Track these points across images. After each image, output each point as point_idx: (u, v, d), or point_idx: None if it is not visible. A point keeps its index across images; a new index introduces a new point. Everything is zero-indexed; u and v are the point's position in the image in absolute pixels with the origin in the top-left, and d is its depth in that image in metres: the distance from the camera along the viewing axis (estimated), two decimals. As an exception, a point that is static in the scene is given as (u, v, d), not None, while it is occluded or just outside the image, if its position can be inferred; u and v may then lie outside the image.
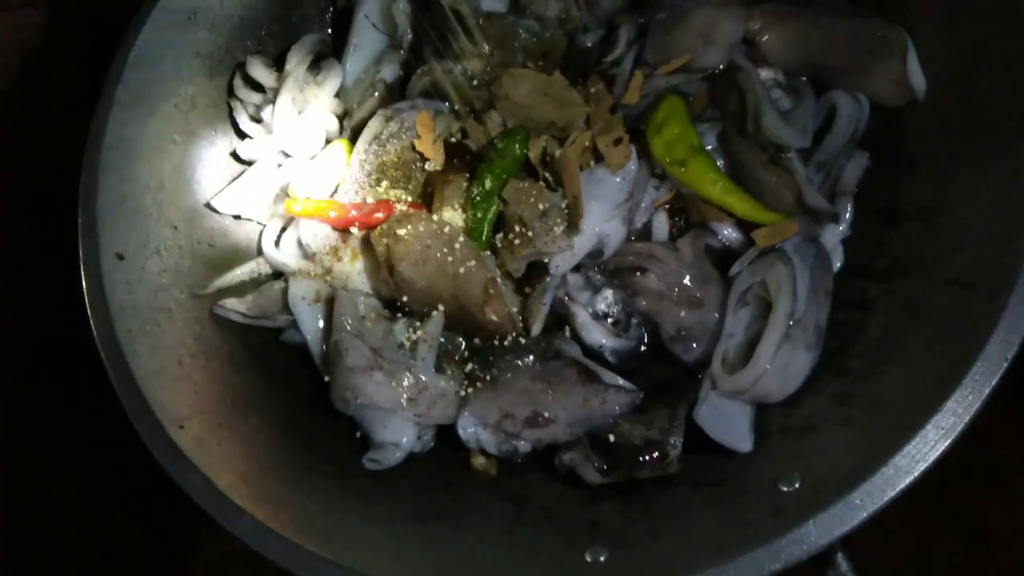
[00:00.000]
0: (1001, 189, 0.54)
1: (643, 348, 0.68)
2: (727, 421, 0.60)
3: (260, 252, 0.74)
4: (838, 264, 0.65)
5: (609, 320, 0.67)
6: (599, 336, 0.66)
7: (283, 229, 0.74)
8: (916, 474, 0.48)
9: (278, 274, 0.73)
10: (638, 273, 0.67)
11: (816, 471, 0.52)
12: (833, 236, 0.65)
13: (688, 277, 0.66)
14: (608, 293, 0.68)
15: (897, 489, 0.48)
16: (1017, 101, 0.54)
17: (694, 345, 0.65)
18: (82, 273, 0.63)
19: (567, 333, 0.67)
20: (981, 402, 0.48)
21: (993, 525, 0.73)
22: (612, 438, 0.61)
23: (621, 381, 0.62)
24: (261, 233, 0.74)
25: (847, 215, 0.65)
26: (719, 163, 0.68)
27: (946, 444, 0.48)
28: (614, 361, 0.66)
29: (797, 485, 0.51)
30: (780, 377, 0.59)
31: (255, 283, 0.73)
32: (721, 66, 0.69)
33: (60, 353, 0.79)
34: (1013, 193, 0.53)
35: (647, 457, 0.60)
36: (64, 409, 0.84)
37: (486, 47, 0.72)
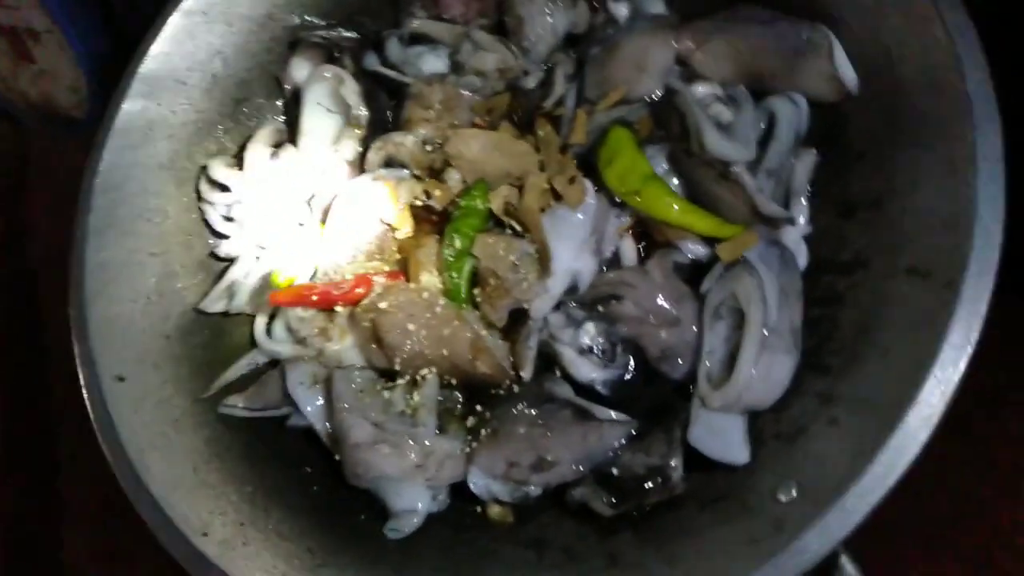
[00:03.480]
0: (941, 177, 0.56)
1: (632, 374, 0.70)
2: (721, 436, 0.62)
3: (254, 344, 0.76)
4: (804, 262, 0.67)
5: (594, 353, 0.69)
6: (587, 371, 0.68)
7: (272, 317, 0.77)
8: (902, 470, 0.50)
9: (275, 362, 0.76)
10: (614, 301, 0.69)
11: (810, 477, 0.54)
12: (794, 236, 0.66)
13: (661, 297, 0.68)
14: (589, 327, 0.70)
15: (887, 487, 0.50)
16: (939, 89, 0.56)
17: (679, 362, 0.67)
18: (86, 400, 0.66)
19: (558, 373, 0.70)
20: (953, 389, 0.50)
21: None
22: (616, 471, 0.63)
23: (614, 414, 0.64)
24: (252, 325, 0.77)
25: (803, 215, 0.67)
26: (675, 183, 0.71)
27: (927, 434, 0.50)
28: (607, 392, 0.68)
29: (794, 493, 0.54)
30: (764, 385, 0.61)
31: (256, 375, 0.75)
32: (658, 92, 0.71)
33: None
34: (952, 181, 0.54)
35: (651, 484, 0.62)
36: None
37: (432, 112, 0.74)
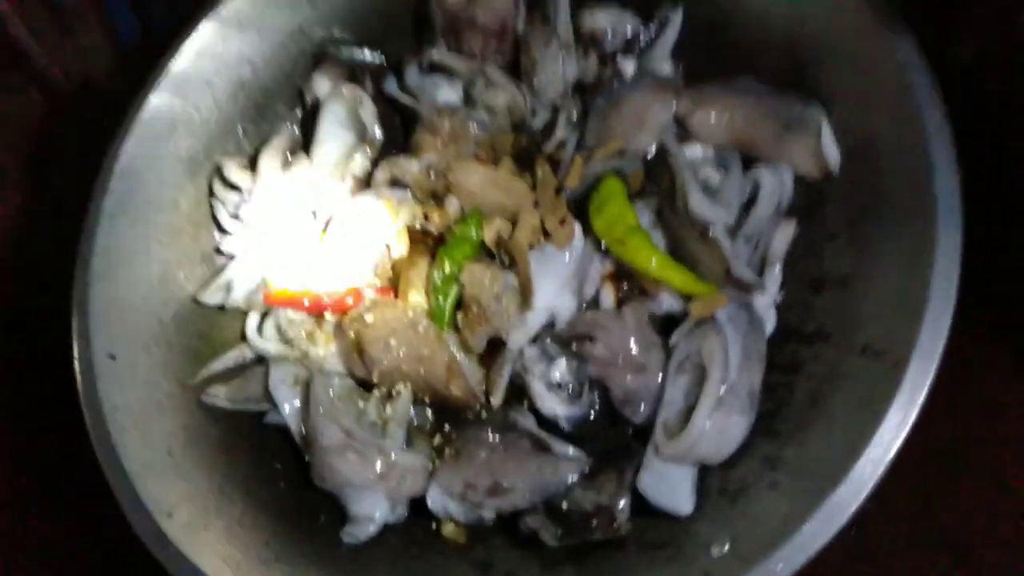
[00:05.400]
0: (904, 264, 0.59)
1: (596, 413, 0.72)
2: (669, 485, 0.64)
3: (244, 339, 0.80)
4: (771, 328, 0.69)
5: (563, 389, 0.72)
6: (553, 405, 0.71)
7: (264, 315, 0.80)
8: (827, 537, 0.52)
9: (262, 359, 0.79)
10: (588, 341, 0.72)
11: (743, 535, 0.56)
12: (765, 302, 0.69)
13: (632, 343, 0.71)
14: (562, 362, 0.73)
15: (811, 552, 0.52)
16: (912, 184, 0.59)
17: (641, 407, 0.70)
18: (77, 376, 0.69)
19: (525, 404, 0.73)
20: (884, 467, 0.53)
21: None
22: (565, 505, 0.66)
23: (571, 451, 0.67)
24: (245, 321, 0.80)
25: (776, 284, 0.70)
26: (658, 235, 0.73)
27: (855, 507, 0.53)
28: (568, 428, 0.71)
29: (726, 549, 0.56)
30: (716, 441, 0.64)
31: (241, 369, 0.78)
32: (653, 148, 0.74)
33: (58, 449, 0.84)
34: (913, 269, 0.57)
35: (597, 521, 0.64)
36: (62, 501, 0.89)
37: (439, 141, 0.78)
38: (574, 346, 0.73)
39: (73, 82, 1.34)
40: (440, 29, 0.83)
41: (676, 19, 0.78)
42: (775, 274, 0.70)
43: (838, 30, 0.68)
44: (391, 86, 0.85)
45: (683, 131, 0.75)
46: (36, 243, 1.16)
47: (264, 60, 0.85)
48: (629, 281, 0.75)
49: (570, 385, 0.72)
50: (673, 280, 0.70)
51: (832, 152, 0.68)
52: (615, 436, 0.71)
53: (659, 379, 0.69)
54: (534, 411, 0.72)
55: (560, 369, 0.72)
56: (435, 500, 0.69)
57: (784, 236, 0.70)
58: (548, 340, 0.74)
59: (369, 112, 0.81)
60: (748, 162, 0.74)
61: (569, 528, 0.65)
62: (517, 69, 0.84)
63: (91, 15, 1.27)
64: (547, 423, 0.71)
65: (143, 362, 0.73)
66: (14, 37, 1.31)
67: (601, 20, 0.80)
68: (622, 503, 0.64)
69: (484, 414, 0.73)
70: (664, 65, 0.79)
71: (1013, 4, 0.66)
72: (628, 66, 0.78)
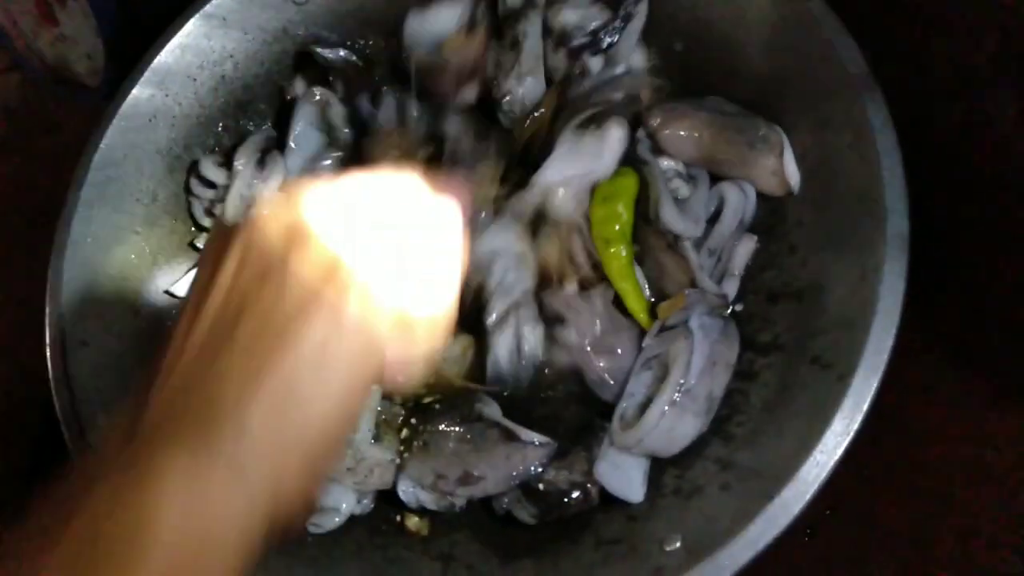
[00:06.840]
0: (853, 282, 0.62)
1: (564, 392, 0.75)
2: (622, 474, 0.67)
3: (216, 331, 0.81)
4: (731, 336, 0.73)
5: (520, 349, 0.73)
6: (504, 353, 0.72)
7: (237, 308, 0.81)
8: (773, 535, 0.55)
9: (232, 351, 0.80)
10: (559, 324, 0.74)
11: (694, 532, 0.59)
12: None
13: (600, 326, 0.73)
14: (539, 330, 0.74)
15: (758, 549, 0.55)
16: (862, 207, 0.63)
17: (615, 388, 0.72)
18: (48, 360, 0.70)
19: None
20: (828, 471, 0.56)
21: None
22: (541, 486, 0.68)
23: (537, 438, 0.69)
24: (216, 313, 0.81)
25: (733, 294, 0.73)
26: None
27: (799, 507, 0.56)
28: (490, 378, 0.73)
29: (678, 544, 0.59)
30: (666, 437, 0.65)
31: (211, 360, 0.79)
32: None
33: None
34: (860, 287, 0.61)
35: (573, 496, 0.67)
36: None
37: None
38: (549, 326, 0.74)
39: (51, 67, 1.33)
40: (413, 71, 0.84)
41: (642, 9, 0.79)
42: (734, 285, 0.73)
43: (800, 65, 0.71)
44: (364, 106, 0.85)
45: (654, 144, 0.78)
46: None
47: (247, 57, 0.86)
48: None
49: (528, 350, 0.73)
50: (628, 299, 0.72)
51: (793, 171, 0.72)
52: (582, 415, 0.73)
53: (631, 361, 0.72)
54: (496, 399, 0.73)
55: (536, 333, 0.73)
56: (406, 491, 0.71)
57: (745, 250, 0.73)
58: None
59: (338, 114, 0.83)
60: (715, 179, 0.77)
61: (547, 505, 0.67)
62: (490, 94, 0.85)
63: (72, 2, 1.27)
64: (512, 413, 0.73)
65: (115, 349, 0.74)
66: (-5, 22, 1.31)
67: (569, 16, 0.81)
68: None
69: (448, 408, 0.74)
70: (635, 56, 0.81)
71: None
72: (595, 63, 0.80)
